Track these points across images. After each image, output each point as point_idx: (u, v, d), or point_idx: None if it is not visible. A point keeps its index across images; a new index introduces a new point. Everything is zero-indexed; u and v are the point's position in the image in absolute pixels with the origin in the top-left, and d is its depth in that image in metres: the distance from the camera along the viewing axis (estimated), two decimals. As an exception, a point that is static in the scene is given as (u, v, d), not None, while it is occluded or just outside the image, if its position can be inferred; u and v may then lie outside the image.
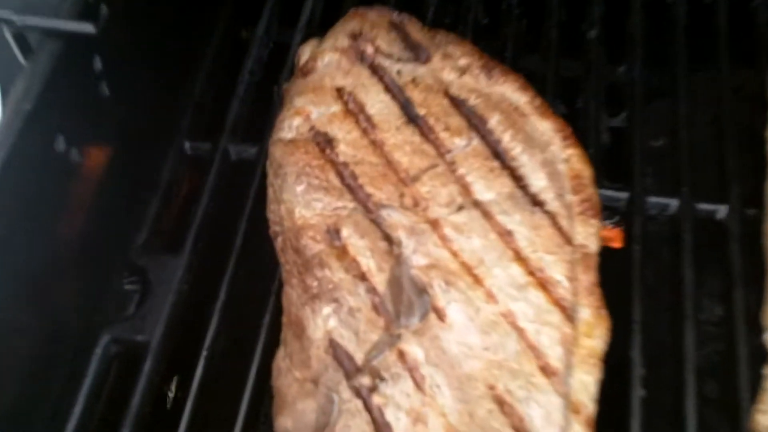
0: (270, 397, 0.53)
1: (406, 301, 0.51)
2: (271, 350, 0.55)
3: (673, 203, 0.64)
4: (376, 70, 0.59)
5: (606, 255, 0.56)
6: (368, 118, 0.57)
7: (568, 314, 0.52)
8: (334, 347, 0.51)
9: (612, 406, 0.53)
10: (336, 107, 0.58)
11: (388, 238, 0.53)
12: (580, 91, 0.71)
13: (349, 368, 0.50)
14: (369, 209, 0.54)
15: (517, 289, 0.52)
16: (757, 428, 0.54)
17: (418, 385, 0.49)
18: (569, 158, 0.58)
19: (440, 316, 0.50)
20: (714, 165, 0.66)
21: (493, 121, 0.57)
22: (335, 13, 0.67)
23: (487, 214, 0.54)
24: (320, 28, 0.69)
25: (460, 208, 0.54)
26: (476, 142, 0.57)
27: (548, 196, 0.55)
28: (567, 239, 0.54)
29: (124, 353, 0.60)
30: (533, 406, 0.49)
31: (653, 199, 0.64)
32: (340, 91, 0.58)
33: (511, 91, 0.60)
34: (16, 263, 0.51)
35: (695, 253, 0.62)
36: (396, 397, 0.48)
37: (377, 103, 0.58)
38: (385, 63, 0.60)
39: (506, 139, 0.57)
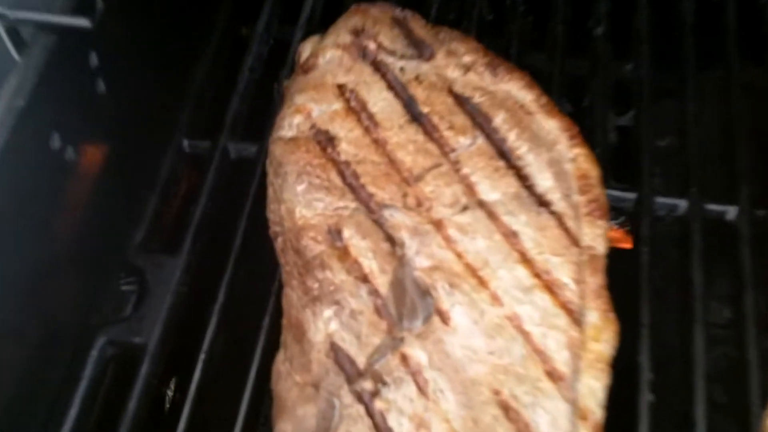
0: (270, 399, 0.53)
1: (409, 304, 0.51)
2: (270, 352, 0.55)
3: (682, 204, 0.64)
4: (378, 67, 0.59)
5: (612, 256, 0.56)
6: (370, 116, 0.57)
7: (575, 318, 0.51)
8: (335, 351, 0.50)
9: (620, 412, 0.52)
10: (337, 105, 0.57)
11: (391, 239, 0.52)
12: (586, 89, 0.71)
13: (350, 372, 0.49)
14: (371, 209, 0.53)
15: (522, 292, 0.51)
16: (769, 434, 0.53)
17: (422, 390, 0.48)
18: (576, 158, 0.57)
19: (444, 319, 0.50)
20: (723, 165, 0.66)
21: (498, 119, 0.57)
22: (336, 10, 0.67)
23: (492, 215, 0.53)
24: (321, 25, 0.69)
25: (465, 208, 0.53)
26: (481, 140, 0.56)
27: (555, 197, 0.55)
28: (574, 241, 0.54)
29: (120, 355, 0.59)
30: (539, 412, 0.48)
31: (661, 200, 0.64)
32: (341, 89, 0.58)
33: (516, 88, 0.59)
34: (10, 263, 0.50)
35: (704, 255, 0.61)
36: (398, 402, 0.48)
37: (380, 100, 0.57)
38: (388, 60, 0.59)
39: (512, 138, 0.56)
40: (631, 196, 0.64)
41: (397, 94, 0.58)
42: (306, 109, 0.57)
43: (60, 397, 0.56)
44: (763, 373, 0.56)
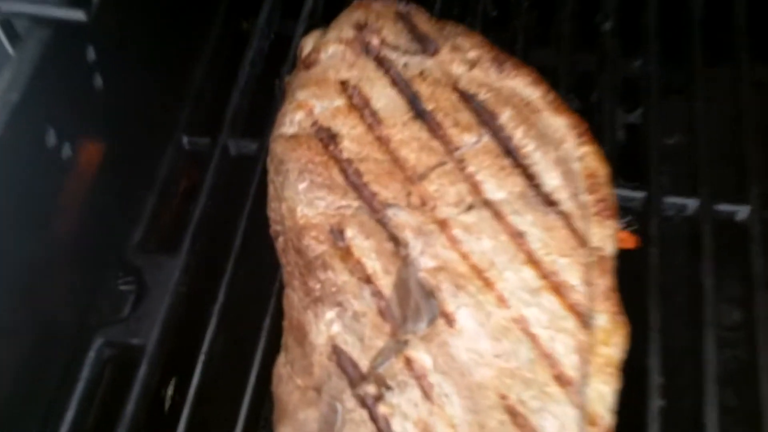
0: (271, 401, 0.53)
1: (413, 306, 0.50)
2: (271, 354, 0.54)
3: (691, 204, 0.63)
4: (381, 63, 0.58)
5: (619, 257, 0.55)
6: (374, 113, 0.56)
7: (584, 320, 0.50)
8: (337, 354, 0.49)
9: (629, 417, 0.52)
10: (340, 101, 0.57)
11: (395, 239, 0.52)
12: (593, 86, 0.70)
13: (353, 376, 0.49)
14: (374, 208, 0.53)
15: (529, 294, 0.50)
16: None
17: (426, 394, 0.48)
18: (584, 156, 0.57)
19: (449, 321, 0.49)
20: (733, 164, 0.65)
21: (505, 116, 0.56)
22: (339, 4, 0.66)
23: (497, 215, 0.53)
24: (324, 19, 0.69)
25: (470, 207, 0.53)
26: (486, 138, 0.55)
27: (562, 196, 0.54)
28: (582, 241, 0.53)
29: (118, 357, 0.59)
30: (547, 418, 0.48)
31: (670, 199, 0.63)
32: (344, 85, 0.57)
33: (523, 85, 0.59)
34: (5, 263, 0.50)
35: (714, 256, 0.61)
36: (403, 407, 0.47)
37: (383, 97, 0.57)
38: (392, 55, 0.59)
39: (518, 136, 0.56)
40: (639, 195, 0.63)
41: (400, 91, 0.57)
42: (308, 106, 0.57)
43: (56, 400, 0.56)
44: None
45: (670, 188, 0.64)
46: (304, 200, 0.53)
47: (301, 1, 0.74)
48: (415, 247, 0.51)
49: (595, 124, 0.60)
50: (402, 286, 0.50)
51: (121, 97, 0.60)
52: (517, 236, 0.52)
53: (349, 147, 0.55)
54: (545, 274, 0.51)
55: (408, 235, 0.52)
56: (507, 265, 0.51)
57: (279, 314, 0.55)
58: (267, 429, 0.55)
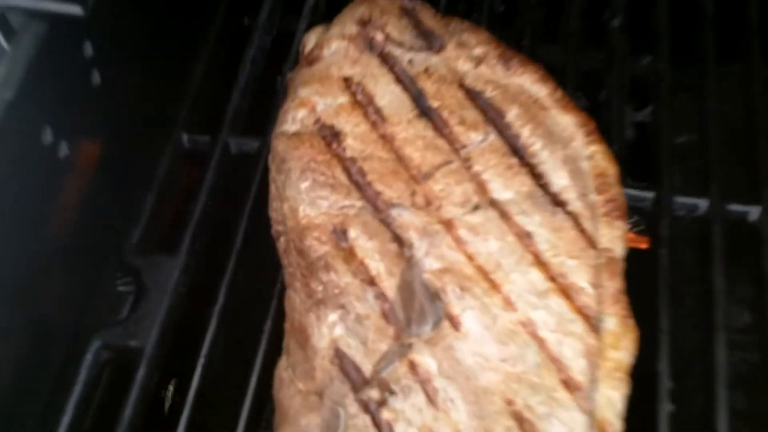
0: (272, 404, 0.52)
1: (417, 308, 0.49)
2: (272, 357, 0.54)
3: (702, 204, 0.63)
4: (386, 59, 0.58)
5: (627, 258, 0.54)
6: (378, 111, 0.56)
7: (593, 324, 0.50)
8: (340, 357, 0.49)
9: (638, 423, 0.51)
10: (343, 98, 0.56)
11: (399, 240, 0.51)
12: (602, 84, 0.70)
13: (356, 380, 0.48)
14: (378, 208, 0.52)
15: (537, 296, 0.50)
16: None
17: (431, 399, 0.47)
18: (593, 155, 0.56)
19: (454, 324, 0.49)
20: (745, 163, 0.65)
21: (511, 114, 0.56)
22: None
23: (504, 215, 0.52)
24: (326, 15, 0.69)
25: (476, 207, 0.52)
26: (493, 137, 0.55)
27: (570, 196, 0.54)
28: (591, 242, 0.52)
29: (116, 359, 0.59)
30: (555, 424, 0.47)
31: (681, 199, 0.63)
32: (347, 81, 0.57)
33: (530, 82, 0.58)
34: (0, 264, 0.49)
35: (725, 258, 0.60)
36: (407, 412, 0.47)
37: (387, 94, 0.56)
38: (396, 51, 0.58)
39: (525, 134, 0.55)
40: (648, 195, 0.63)
41: (405, 88, 0.57)
42: (310, 103, 0.56)
43: (52, 403, 0.55)
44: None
45: (680, 188, 0.63)
46: (307, 200, 0.53)
47: (304, -4, 0.74)
48: (420, 248, 0.51)
49: (603, 122, 0.60)
50: (406, 288, 0.50)
51: (119, 94, 0.60)
52: (525, 237, 0.51)
53: (352, 145, 0.54)
54: (553, 276, 0.50)
55: (412, 236, 0.51)
56: (514, 266, 0.50)
57: (280, 316, 0.54)
58: (268, 430, 0.55)
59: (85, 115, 0.56)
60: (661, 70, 0.68)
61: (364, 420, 0.47)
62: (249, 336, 0.57)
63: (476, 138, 0.55)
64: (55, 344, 0.56)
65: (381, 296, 0.49)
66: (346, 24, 0.59)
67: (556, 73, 0.61)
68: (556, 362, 0.48)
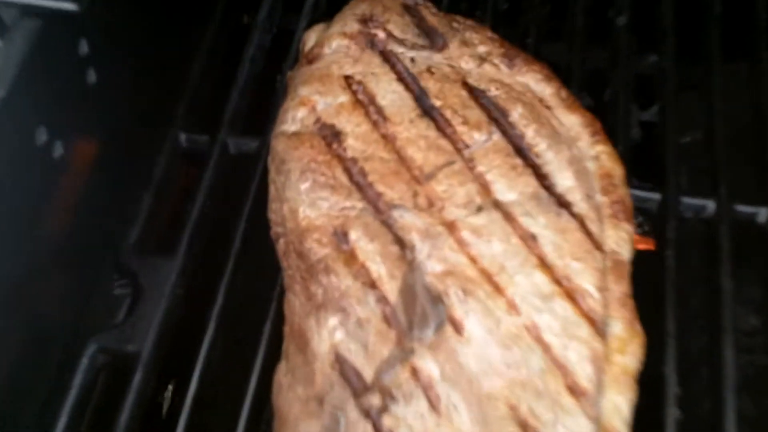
0: (271, 409, 0.51)
1: (419, 312, 0.49)
2: (271, 361, 0.53)
3: (710, 205, 0.62)
4: (388, 58, 0.58)
5: (633, 260, 0.54)
6: (379, 110, 0.55)
7: (599, 328, 0.49)
8: (340, 362, 0.48)
9: (644, 429, 0.50)
10: (344, 98, 0.56)
11: (401, 242, 0.50)
12: (607, 82, 0.70)
13: (357, 386, 0.47)
14: (379, 210, 0.52)
15: (541, 300, 0.49)
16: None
17: (433, 405, 0.46)
18: (599, 156, 0.56)
19: (457, 328, 0.48)
20: (753, 163, 0.65)
21: (516, 114, 0.55)
22: (343, -4, 0.66)
23: (508, 216, 0.51)
24: (327, 13, 0.69)
25: (479, 209, 0.52)
26: (497, 137, 0.54)
27: (576, 197, 0.53)
28: (597, 245, 0.52)
29: (112, 364, 0.58)
30: (560, 430, 0.46)
31: (687, 200, 0.62)
32: (348, 80, 0.57)
33: (534, 81, 0.58)
34: None
35: (733, 260, 0.59)
36: (408, 419, 0.46)
37: (389, 93, 0.56)
38: (398, 50, 0.58)
39: (530, 134, 0.55)
40: (655, 196, 0.62)
41: (407, 87, 0.56)
42: (310, 102, 0.56)
43: (47, 408, 0.55)
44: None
45: (687, 189, 0.63)
46: (307, 201, 0.52)
47: (304, -6, 0.74)
48: (422, 250, 0.50)
49: (608, 122, 0.60)
50: (408, 291, 0.49)
51: (115, 92, 0.59)
52: (529, 239, 0.51)
53: (353, 145, 0.54)
54: (558, 279, 0.50)
55: (414, 238, 0.50)
56: (518, 269, 0.50)
57: (280, 319, 0.54)
58: (269, 433, 0.55)
59: (80, 115, 0.56)
60: (667, 69, 0.68)
61: (365, 426, 0.46)
62: (248, 339, 0.57)
63: (480, 138, 0.54)
64: (50, 348, 0.56)
65: (382, 300, 0.49)
66: (347, 22, 0.59)
67: (561, 72, 0.61)
68: (561, 367, 0.47)
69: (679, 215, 0.61)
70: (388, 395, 0.46)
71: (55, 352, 0.56)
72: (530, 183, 0.53)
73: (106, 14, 0.56)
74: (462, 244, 0.50)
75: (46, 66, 0.51)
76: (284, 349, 0.52)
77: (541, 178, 0.53)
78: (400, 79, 0.56)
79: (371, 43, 0.58)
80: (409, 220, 0.51)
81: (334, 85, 0.56)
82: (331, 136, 0.54)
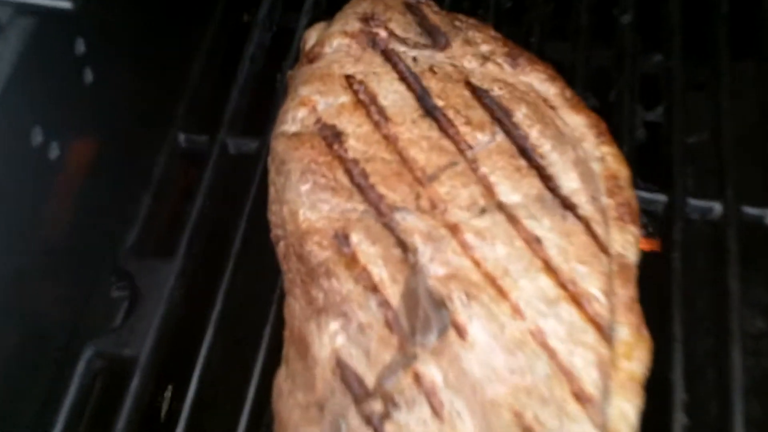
0: (271, 414, 0.51)
1: (422, 316, 0.48)
2: (272, 366, 0.53)
3: (717, 207, 0.62)
4: (389, 57, 0.58)
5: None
6: (381, 110, 0.55)
7: (605, 333, 0.48)
8: (341, 368, 0.47)
9: None
10: (345, 97, 0.56)
11: (403, 245, 0.50)
12: (612, 82, 0.69)
13: (358, 392, 0.47)
14: (381, 212, 0.51)
15: (546, 304, 0.48)
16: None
17: (436, 412, 0.46)
18: (604, 157, 0.56)
19: (460, 333, 0.47)
20: (760, 164, 0.64)
21: (520, 114, 0.55)
22: (344, -6, 0.66)
23: (512, 219, 0.51)
24: (328, 11, 0.69)
25: (483, 211, 0.51)
26: (500, 137, 0.54)
27: (581, 199, 0.53)
28: (602, 248, 0.51)
29: (109, 368, 0.58)
30: None
31: (694, 202, 0.62)
32: (349, 80, 0.56)
33: (538, 81, 0.58)
34: None
35: (740, 261, 0.59)
36: (411, 426, 0.45)
37: (391, 93, 0.56)
38: (400, 49, 0.58)
39: (534, 135, 0.54)
40: (661, 198, 0.62)
41: (409, 86, 0.56)
42: (311, 102, 0.56)
43: (43, 413, 0.54)
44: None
45: (694, 190, 0.62)
46: (307, 203, 0.52)
47: (305, -9, 0.74)
48: (425, 253, 0.49)
49: (613, 122, 0.59)
50: (410, 295, 0.48)
51: (113, 92, 0.59)
52: (534, 242, 0.50)
53: (354, 146, 0.53)
54: (563, 283, 0.49)
55: (417, 241, 0.50)
56: (522, 273, 0.49)
57: (280, 323, 0.53)
58: (268, 436, 0.55)
59: (77, 115, 0.56)
60: (673, 68, 0.68)
61: (367, 433, 0.46)
62: (247, 343, 0.57)
63: (483, 139, 0.54)
64: (46, 352, 0.56)
65: (384, 304, 0.48)
66: (348, 20, 0.59)
67: (565, 71, 0.61)
68: (566, 373, 0.47)
69: (686, 217, 0.61)
70: (390, 402, 0.46)
71: (51, 356, 0.56)
72: (535, 185, 0.52)
73: (103, 13, 0.55)
74: (465, 247, 0.50)
75: (42, 65, 0.51)
76: (284, 353, 0.51)
77: (546, 179, 0.53)
78: (402, 78, 0.56)
79: (373, 42, 0.58)
80: (411, 223, 0.50)
81: (335, 84, 0.56)
82: (332, 136, 0.54)
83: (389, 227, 0.51)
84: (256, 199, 0.62)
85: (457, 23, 0.60)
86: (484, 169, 0.53)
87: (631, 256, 0.52)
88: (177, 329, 0.59)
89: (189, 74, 0.70)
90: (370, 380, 0.47)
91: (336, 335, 0.48)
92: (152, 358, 0.56)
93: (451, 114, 0.55)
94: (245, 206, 0.62)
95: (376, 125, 0.54)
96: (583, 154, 0.55)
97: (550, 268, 0.49)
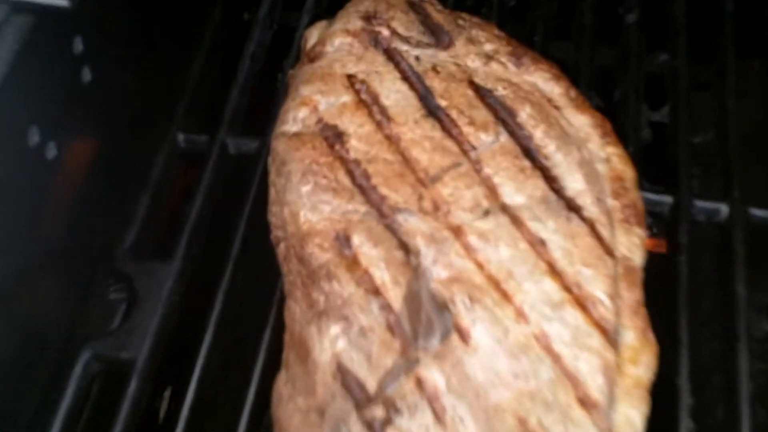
0: (271, 419, 0.50)
1: (424, 320, 0.48)
2: (271, 370, 0.52)
3: (723, 208, 0.61)
4: (392, 56, 0.58)
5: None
6: (383, 110, 0.55)
7: (610, 337, 0.48)
8: (342, 373, 0.47)
9: None
10: (347, 97, 0.55)
11: (405, 247, 0.50)
12: (617, 81, 0.69)
13: (359, 397, 0.46)
14: (383, 213, 0.51)
15: (551, 308, 0.48)
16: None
17: (439, 418, 0.45)
18: (609, 158, 0.56)
19: (464, 337, 0.47)
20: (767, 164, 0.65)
21: (524, 114, 0.55)
22: (346, -7, 0.66)
23: (516, 221, 0.51)
24: (329, 9, 0.69)
25: (486, 213, 0.51)
26: (504, 138, 0.54)
27: (586, 201, 0.52)
28: (608, 250, 0.51)
29: (106, 371, 0.57)
30: None
31: (700, 204, 0.61)
32: (351, 79, 0.56)
33: (543, 80, 0.58)
34: None
35: (747, 264, 0.59)
36: (413, 431, 0.45)
37: (393, 92, 0.56)
38: (403, 48, 0.58)
39: (538, 135, 0.54)
40: (666, 199, 0.62)
41: (412, 86, 0.56)
42: (312, 102, 0.56)
43: (39, 418, 0.54)
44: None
45: (700, 192, 0.62)
46: (308, 204, 0.52)
47: (306, -9, 0.74)
48: (427, 255, 0.49)
49: (617, 122, 0.59)
50: (413, 298, 0.48)
51: (111, 91, 0.59)
52: (538, 244, 0.50)
53: (356, 147, 0.53)
54: (568, 286, 0.49)
55: (419, 243, 0.49)
56: (526, 276, 0.49)
57: (280, 326, 0.53)
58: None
59: (75, 114, 0.56)
60: (678, 68, 0.68)
61: (368, 439, 0.45)
62: (246, 347, 0.56)
63: (487, 139, 0.54)
64: (42, 355, 0.55)
65: (386, 307, 0.48)
66: (350, 19, 0.59)
67: (569, 71, 0.61)
68: (571, 378, 0.46)
69: (692, 219, 0.60)
70: (391, 407, 0.45)
71: (48, 360, 0.55)
72: (539, 186, 0.52)
73: (101, 11, 0.55)
74: (468, 249, 0.49)
75: (39, 64, 0.50)
76: (284, 357, 0.51)
77: (551, 180, 0.53)
78: (405, 78, 0.56)
79: (375, 40, 0.58)
80: (413, 225, 0.50)
81: (337, 84, 0.56)
82: (333, 137, 0.54)
83: (391, 229, 0.50)
84: (256, 200, 0.61)
85: (461, 22, 0.60)
86: (487, 170, 0.52)
87: (637, 258, 0.52)
88: (175, 332, 0.58)
89: (188, 73, 0.70)
90: (371, 385, 0.46)
91: (337, 339, 0.48)
92: (150, 362, 0.56)
93: (454, 114, 0.54)
94: (245, 207, 0.62)
95: (378, 125, 0.54)
96: (588, 154, 0.55)
97: (554, 271, 0.49)
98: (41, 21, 0.50)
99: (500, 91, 0.56)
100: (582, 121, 0.56)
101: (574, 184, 0.52)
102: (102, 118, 0.59)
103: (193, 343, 0.57)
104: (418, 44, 0.58)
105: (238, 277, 0.60)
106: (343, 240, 0.50)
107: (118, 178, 0.62)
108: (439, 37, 0.58)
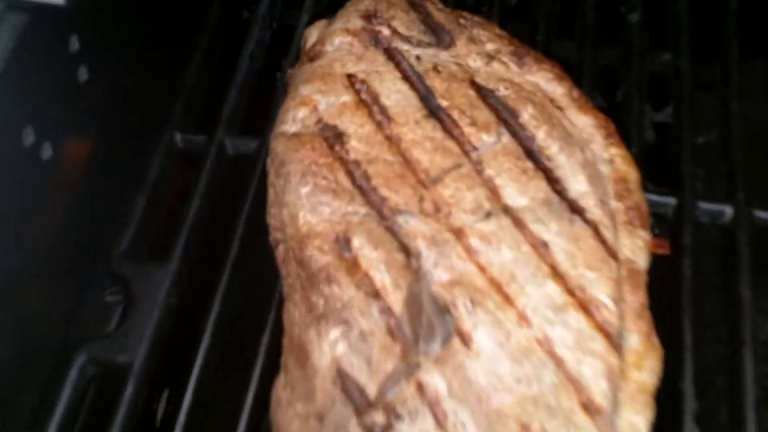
0: (269, 425, 0.50)
1: (425, 324, 0.48)
2: (270, 374, 0.52)
3: (727, 210, 0.61)
4: (392, 55, 0.58)
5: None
6: (383, 110, 0.55)
7: (614, 341, 0.48)
8: (342, 377, 0.47)
9: None
10: (347, 97, 0.55)
11: (406, 250, 0.50)
12: (619, 81, 0.69)
13: (359, 403, 0.46)
14: (384, 215, 0.51)
15: (554, 311, 0.48)
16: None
17: (440, 423, 0.45)
18: (613, 159, 0.56)
19: (465, 341, 0.47)
20: None
21: (526, 114, 0.55)
22: (346, -9, 0.66)
23: (519, 223, 0.51)
24: (329, 8, 0.68)
25: (488, 215, 0.51)
26: (506, 138, 0.54)
27: (589, 203, 0.52)
28: (611, 253, 0.51)
29: (102, 375, 0.57)
30: None
31: (703, 205, 0.61)
32: (351, 79, 0.56)
33: (545, 81, 0.58)
34: None
35: (752, 267, 0.58)
36: None
37: (394, 92, 0.56)
38: (403, 47, 0.58)
39: (541, 136, 0.54)
40: (670, 201, 0.61)
41: (412, 86, 0.56)
42: (312, 102, 0.56)
43: (34, 422, 0.54)
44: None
45: (704, 193, 0.62)
46: (307, 206, 0.51)
47: (306, -11, 0.74)
48: (428, 258, 0.49)
49: (620, 123, 0.59)
50: (413, 301, 0.48)
51: (108, 91, 0.59)
52: (541, 247, 0.50)
53: (356, 147, 0.53)
54: (571, 290, 0.49)
55: (420, 245, 0.49)
56: (529, 279, 0.49)
57: (279, 330, 0.53)
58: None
59: (70, 114, 0.56)
60: (681, 67, 0.67)
61: (368, 446, 0.45)
62: (244, 351, 0.56)
63: (488, 140, 0.53)
64: (37, 358, 0.55)
65: (386, 311, 0.48)
66: (350, 18, 0.59)
67: (571, 71, 0.61)
68: (574, 383, 0.46)
69: (695, 221, 0.60)
70: (392, 412, 0.45)
71: (43, 363, 0.55)
72: (541, 187, 0.52)
73: (98, 9, 0.55)
74: (470, 251, 0.49)
75: (34, 63, 0.50)
76: (283, 361, 0.50)
77: (553, 182, 0.52)
78: (405, 77, 0.56)
79: (375, 40, 0.58)
80: (414, 227, 0.50)
81: (337, 84, 0.56)
82: (333, 137, 0.54)
83: (392, 231, 0.50)
84: (254, 201, 0.61)
85: (462, 21, 0.60)
86: (489, 172, 0.52)
87: (641, 261, 0.52)
88: (172, 335, 0.58)
89: (186, 72, 0.70)
90: (371, 390, 0.46)
91: (337, 343, 0.47)
92: (147, 365, 0.55)
93: (455, 114, 0.54)
94: (243, 208, 0.61)
95: (379, 126, 0.54)
96: (591, 156, 0.54)
97: (557, 274, 0.49)
98: (37, 19, 0.50)
99: (502, 91, 0.56)
100: (585, 122, 0.56)
101: (577, 185, 0.52)
102: (98, 117, 0.59)
103: (190, 346, 0.56)
104: (419, 44, 0.58)
105: (236, 280, 0.59)
106: (343, 242, 0.50)
107: (114, 179, 0.62)
108: (440, 37, 0.58)
